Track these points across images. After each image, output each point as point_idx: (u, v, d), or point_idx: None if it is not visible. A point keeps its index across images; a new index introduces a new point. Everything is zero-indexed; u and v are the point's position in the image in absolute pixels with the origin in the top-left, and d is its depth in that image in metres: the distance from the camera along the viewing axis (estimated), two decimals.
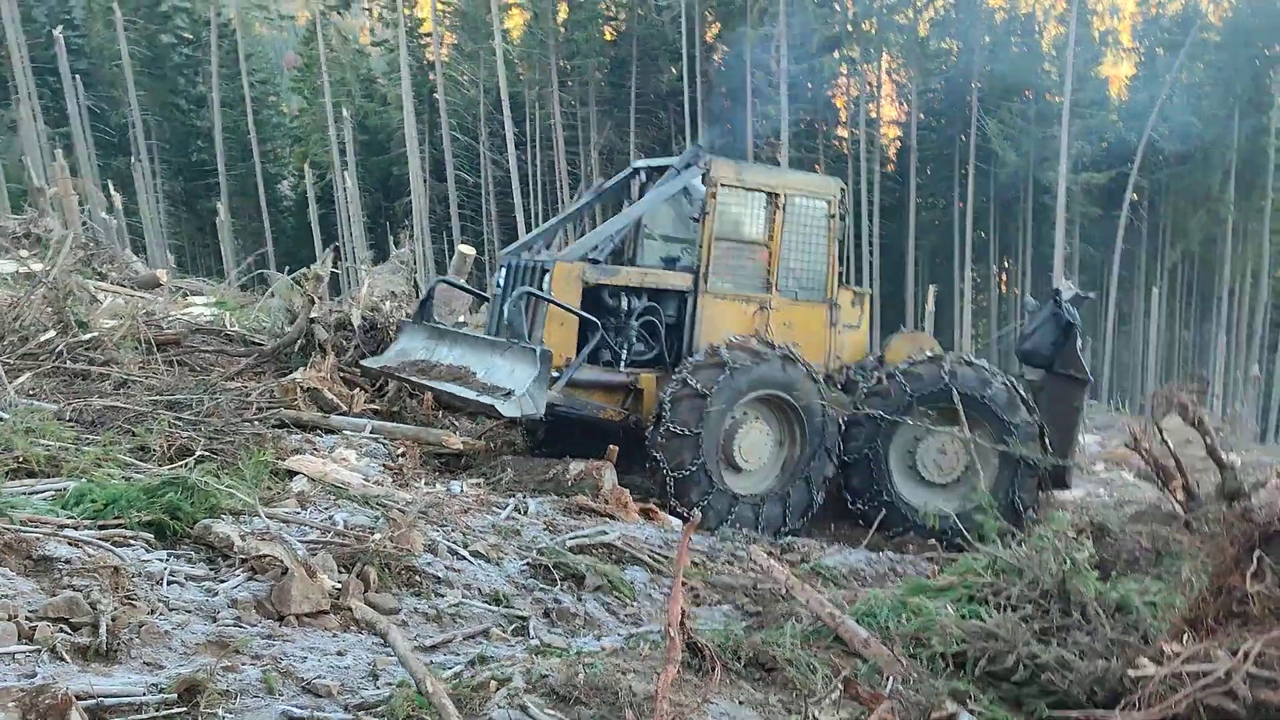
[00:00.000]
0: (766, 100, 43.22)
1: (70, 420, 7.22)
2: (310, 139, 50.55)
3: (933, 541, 8.89)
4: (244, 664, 4.20)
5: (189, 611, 4.55)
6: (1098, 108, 45.46)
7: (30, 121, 37.38)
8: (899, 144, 50.66)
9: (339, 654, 4.60)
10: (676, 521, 8.99)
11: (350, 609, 5.03)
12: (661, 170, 10.65)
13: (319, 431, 8.47)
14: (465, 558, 6.17)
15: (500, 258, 10.30)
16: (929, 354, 10.28)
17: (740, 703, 4.73)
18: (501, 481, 8.35)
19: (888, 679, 5.18)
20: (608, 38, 48.90)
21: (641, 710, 4.23)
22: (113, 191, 32.47)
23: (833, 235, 10.32)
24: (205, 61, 47.43)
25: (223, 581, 4.94)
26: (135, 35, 44.96)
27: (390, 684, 4.45)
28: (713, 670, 4.32)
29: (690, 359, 9.40)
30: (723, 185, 9.77)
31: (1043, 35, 49.53)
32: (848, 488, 10.10)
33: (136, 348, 10.04)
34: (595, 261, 9.41)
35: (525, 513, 7.61)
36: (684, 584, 7.13)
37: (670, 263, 10.26)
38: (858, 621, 5.74)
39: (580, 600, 6.17)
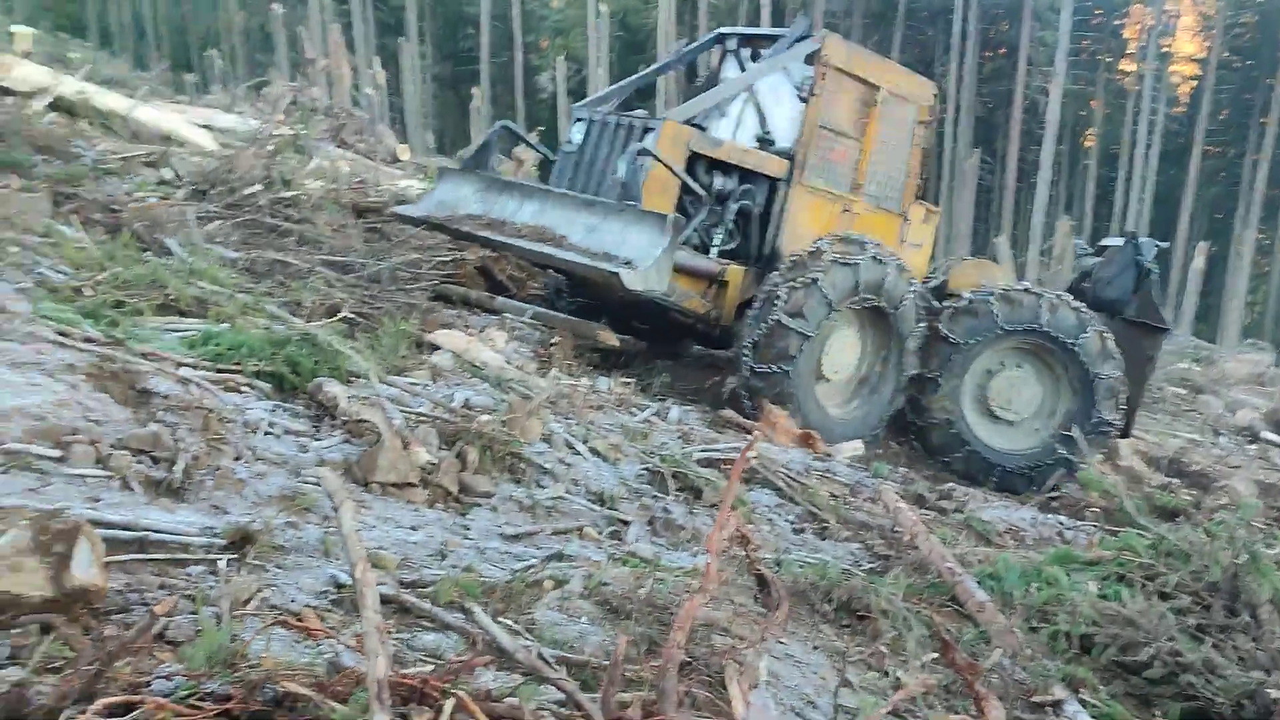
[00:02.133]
0: (1046, 24, 40.05)
1: (242, 269, 7.52)
2: (572, 32, 51.03)
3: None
4: (309, 523, 4.20)
5: (274, 463, 4.59)
6: None
7: None
8: (1193, 84, 45.86)
9: (412, 528, 4.55)
10: (846, 447, 8.54)
11: (440, 485, 4.98)
12: (750, 40, 9.78)
13: (479, 310, 8.50)
14: (580, 453, 6.02)
15: (574, 111, 9.50)
16: (1008, 286, 9.55)
17: (815, 648, 4.37)
18: (653, 385, 8.12)
19: (995, 650, 4.68)
20: None
21: (693, 637, 3.96)
22: (378, 69, 34.09)
23: (918, 143, 9.51)
24: None
25: (318, 440, 4.98)
26: None
27: (456, 566, 4.37)
28: (778, 606, 3.97)
29: (814, 247, 8.56)
30: (835, 68, 8.82)
31: None
32: (913, 404, 9.47)
33: (340, 211, 10.39)
34: (701, 128, 8.68)
35: (665, 418, 7.38)
36: (816, 515, 6.78)
37: (765, 144, 9.32)
38: (979, 583, 5.22)
39: (692, 514, 5.90)
